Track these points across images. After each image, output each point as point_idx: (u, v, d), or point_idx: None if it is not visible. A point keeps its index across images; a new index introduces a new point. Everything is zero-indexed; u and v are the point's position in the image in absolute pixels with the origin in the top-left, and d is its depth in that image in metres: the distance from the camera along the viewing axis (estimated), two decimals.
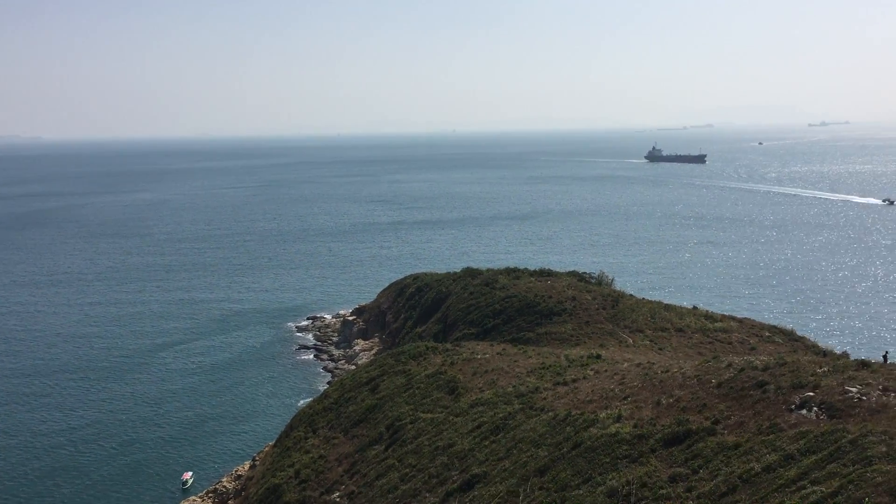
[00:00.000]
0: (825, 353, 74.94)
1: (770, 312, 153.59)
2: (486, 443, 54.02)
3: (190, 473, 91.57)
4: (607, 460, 43.06)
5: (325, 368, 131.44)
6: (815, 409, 40.76)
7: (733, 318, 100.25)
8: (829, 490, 31.30)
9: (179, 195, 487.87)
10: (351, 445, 67.01)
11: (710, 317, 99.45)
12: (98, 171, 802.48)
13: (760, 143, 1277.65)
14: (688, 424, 43.12)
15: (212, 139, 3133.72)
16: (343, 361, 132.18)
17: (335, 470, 64.26)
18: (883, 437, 34.26)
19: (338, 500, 59.51)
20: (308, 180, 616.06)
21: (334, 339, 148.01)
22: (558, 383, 61.84)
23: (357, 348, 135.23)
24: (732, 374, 48.94)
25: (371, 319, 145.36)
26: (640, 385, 54.04)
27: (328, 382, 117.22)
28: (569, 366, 67.94)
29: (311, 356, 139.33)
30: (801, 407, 41.51)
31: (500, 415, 57.29)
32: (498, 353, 78.08)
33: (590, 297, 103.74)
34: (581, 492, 41.12)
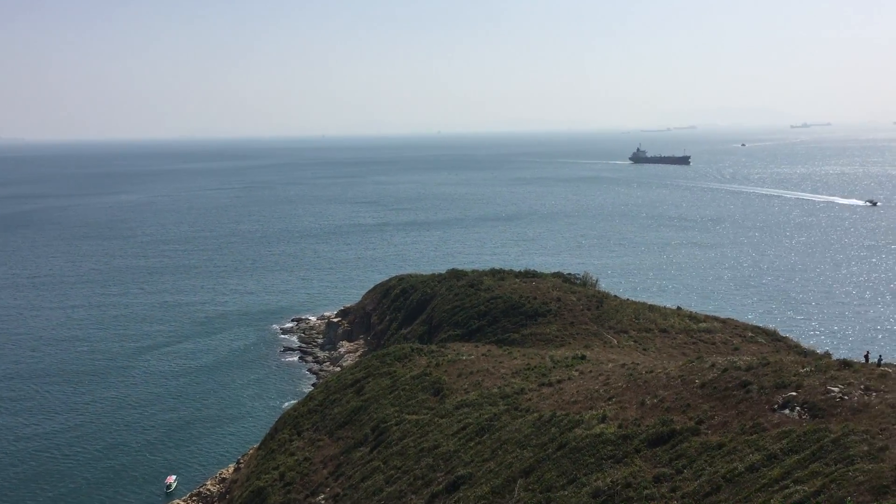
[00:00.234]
0: (807, 354, 75.43)
1: (753, 313, 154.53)
2: (472, 444, 54.02)
3: (174, 477, 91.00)
4: (592, 461, 43.17)
5: (309, 370, 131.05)
6: (797, 408, 41.04)
7: (717, 319, 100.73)
8: (812, 489, 31.53)
9: (163, 197, 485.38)
10: (336, 447, 66.82)
11: (693, 317, 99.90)
12: (81, 173, 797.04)
13: (743, 145, 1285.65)
14: (672, 425, 43.31)
15: (196, 141, 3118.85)
16: (328, 363, 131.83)
17: (320, 472, 64.06)
18: (865, 437, 34.54)
19: (323, 502, 59.32)
20: (293, 182, 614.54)
21: (319, 340, 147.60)
22: (543, 384, 61.95)
23: (342, 350, 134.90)
24: (716, 375, 49.19)
25: (356, 321, 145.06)
26: (624, 385, 54.22)
27: (313, 384, 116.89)
28: (554, 367, 68.07)
29: (296, 358, 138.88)
30: (783, 407, 41.78)
31: (486, 416, 57.31)
32: (483, 355, 78.13)
33: (574, 298, 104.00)
34: (566, 492, 41.20)
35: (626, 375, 57.05)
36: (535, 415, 53.82)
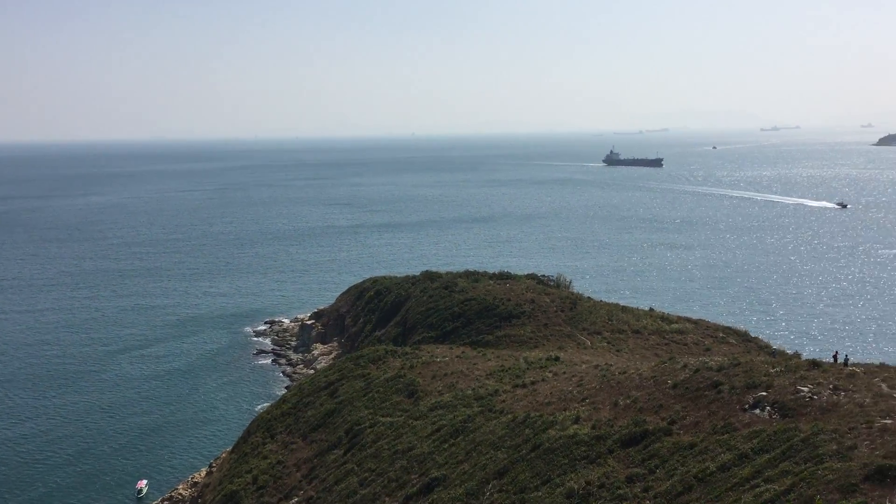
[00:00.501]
0: (777, 354, 76.30)
1: (724, 314, 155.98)
2: (446, 446, 54.01)
3: (144, 482, 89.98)
4: (566, 462, 43.32)
5: (283, 373, 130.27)
6: (768, 408, 41.48)
7: (689, 320, 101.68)
8: (782, 488, 31.85)
9: (134, 199, 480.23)
10: (309, 450, 66.49)
11: (666, 318, 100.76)
12: (50, 175, 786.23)
13: (715, 147, 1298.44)
14: (644, 425, 43.59)
15: (167, 142, 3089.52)
16: (301, 366, 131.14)
17: (293, 475, 63.71)
18: (833, 436, 34.98)
19: None
20: (266, 183, 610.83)
21: (292, 343, 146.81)
22: (517, 385, 62.10)
23: (316, 352, 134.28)
24: (688, 375, 49.59)
25: (330, 323, 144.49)
26: (597, 386, 54.49)
27: (286, 387, 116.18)
28: (527, 368, 68.24)
29: (269, 361, 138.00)
30: (754, 406, 42.21)
31: (460, 418, 57.32)
32: (457, 356, 78.15)
33: (548, 300, 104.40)
34: (540, 493, 41.31)
35: (600, 376, 57.35)
36: (509, 416, 53.93)
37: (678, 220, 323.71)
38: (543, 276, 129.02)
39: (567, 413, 50.13)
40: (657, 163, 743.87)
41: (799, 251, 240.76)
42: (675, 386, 48.77)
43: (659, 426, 43.13)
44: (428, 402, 64.18)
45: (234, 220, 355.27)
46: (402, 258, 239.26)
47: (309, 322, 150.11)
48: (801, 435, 36.03)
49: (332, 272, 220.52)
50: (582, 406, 51.08)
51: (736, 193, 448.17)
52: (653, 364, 58.67)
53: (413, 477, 52.09)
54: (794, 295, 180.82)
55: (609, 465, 40.99)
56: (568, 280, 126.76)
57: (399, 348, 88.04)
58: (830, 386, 42.04)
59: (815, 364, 47.40)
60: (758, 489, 32.76)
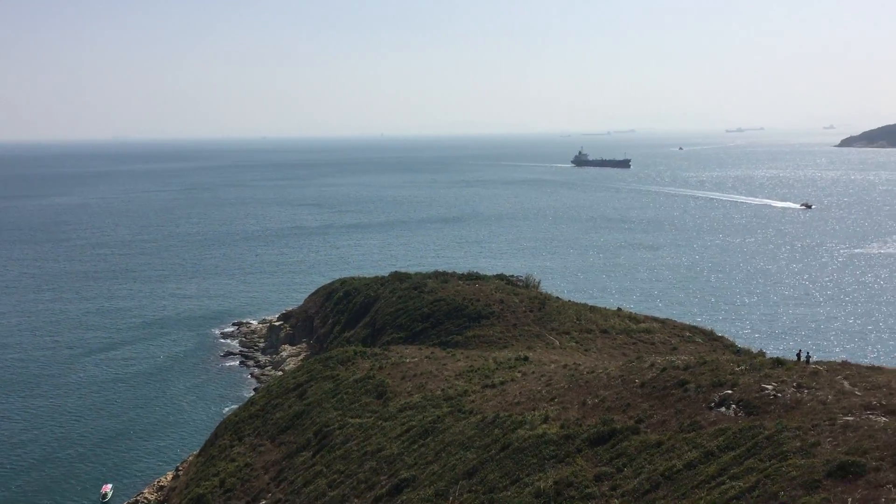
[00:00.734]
0: (742, 353, 77.25)
1: (691, 313, 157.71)
2: (415, 447, 53.93)
3: (109, 486, 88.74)
4: (535, 461, 43.46)
5: (251, 375, 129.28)
6: (733, 406, 41.94)
7: (656, 319, 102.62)
8: (747, 485, 32.22)
9: (98, 199, 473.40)
10: (278, 452, 66.05)
11: (633, 318, 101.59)
12: (10, 175, 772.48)
13: (681, 148, 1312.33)
14: (612, 424, 43.87)
15: (130, 142, 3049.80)
16: (270, 367, 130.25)
17: (262, 478, 63.24)
18: (797, 433, 35.46)
19: None
20: (233, 184, 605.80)
21: (261, 344, 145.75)
22: (486, 386, 62.20)
23: (284, 354, 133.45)
24: (655, 374, 50.01)
25: (298, 325, 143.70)
26: (566, 386, 54.75)
27: (254, 389, 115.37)
28: (497, 368, 68.39)
29: (237, 363, 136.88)
30: (720, 405, 42.66)
31: (429, 418, 57.29)
32: (426, 357, 78.10)
33: (517, 300, 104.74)
34: (509, 493, 41.38)
35: (568, 376, 57.63)
36: (479, 416, 54.00)
37: (646, 221, 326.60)
38: (512, 276, 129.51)
39: (536, 413, 50.30)
40: (625, 164, 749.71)
41: (764, 251, 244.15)
42: (642, 385, 49.16)
43: (626, 425, 43.44)
44: (397, 402, 64.07)
45: (201, 221, 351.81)
46: (371, 259, 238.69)
47: (277, 323, 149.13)
48: (766, 432, 36.47)
49: (300, 273, 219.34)
50: (551, 406, 51.28)
51: (702, 194, 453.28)
52: (620, 363, 59.10)
53: (382, 478, 51.95)
54: (759, 294, 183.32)
55: (577, 464, 41.20)
56: (537, 280, 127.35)
57: (368, 349, 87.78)
58: (794, 384, 42.61)
59: (779, 362, 48.01)
60: (723, 486, 33.11)
